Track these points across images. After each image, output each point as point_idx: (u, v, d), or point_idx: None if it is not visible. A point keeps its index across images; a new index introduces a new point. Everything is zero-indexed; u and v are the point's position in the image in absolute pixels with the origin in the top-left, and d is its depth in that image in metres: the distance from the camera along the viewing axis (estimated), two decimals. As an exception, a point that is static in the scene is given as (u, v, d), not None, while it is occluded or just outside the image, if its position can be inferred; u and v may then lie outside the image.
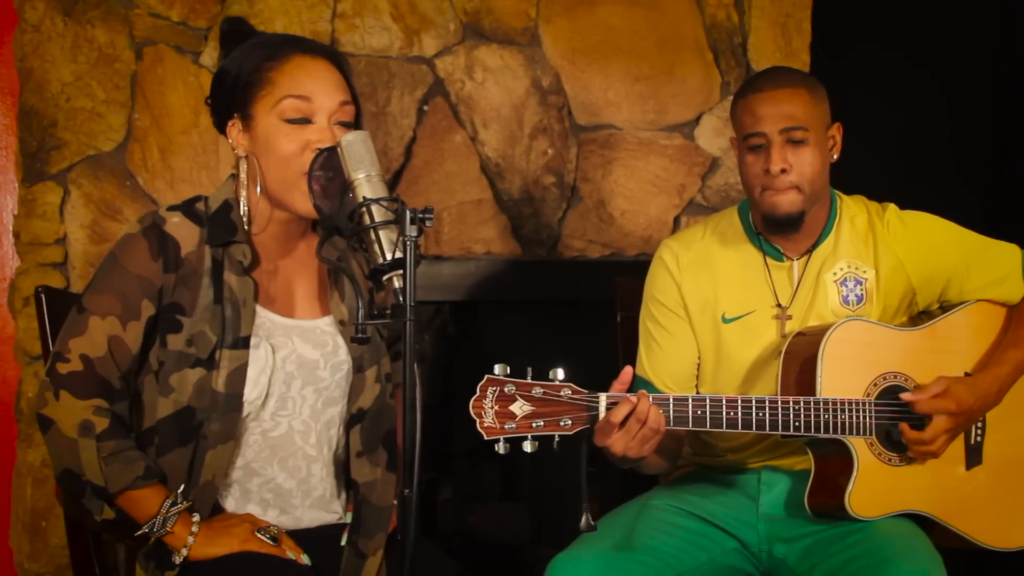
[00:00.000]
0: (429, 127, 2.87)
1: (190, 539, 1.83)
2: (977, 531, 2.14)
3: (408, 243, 1.59)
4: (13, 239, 2.69)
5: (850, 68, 3.44)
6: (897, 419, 2.05)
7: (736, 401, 1.95)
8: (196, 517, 1.86)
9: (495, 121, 2.90)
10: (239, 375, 1.87)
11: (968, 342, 2.19)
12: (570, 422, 1.83)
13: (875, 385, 2.07)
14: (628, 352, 2.38)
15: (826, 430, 2.00)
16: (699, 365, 2.23)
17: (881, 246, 2.19)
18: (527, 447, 1.80)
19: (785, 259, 2.20)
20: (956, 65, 3.59)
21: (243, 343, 1.88)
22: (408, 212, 1.60)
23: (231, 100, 1.92)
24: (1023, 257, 2.23)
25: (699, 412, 1.93)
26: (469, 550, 3.07)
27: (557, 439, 1.82)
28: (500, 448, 1.79)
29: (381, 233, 1.65)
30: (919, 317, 2.25)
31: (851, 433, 2.01)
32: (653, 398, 1.88)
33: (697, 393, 2.21)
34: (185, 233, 1.89)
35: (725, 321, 2.19)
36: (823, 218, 2.19)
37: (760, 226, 2.19)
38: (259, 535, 1.87)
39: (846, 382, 2.04)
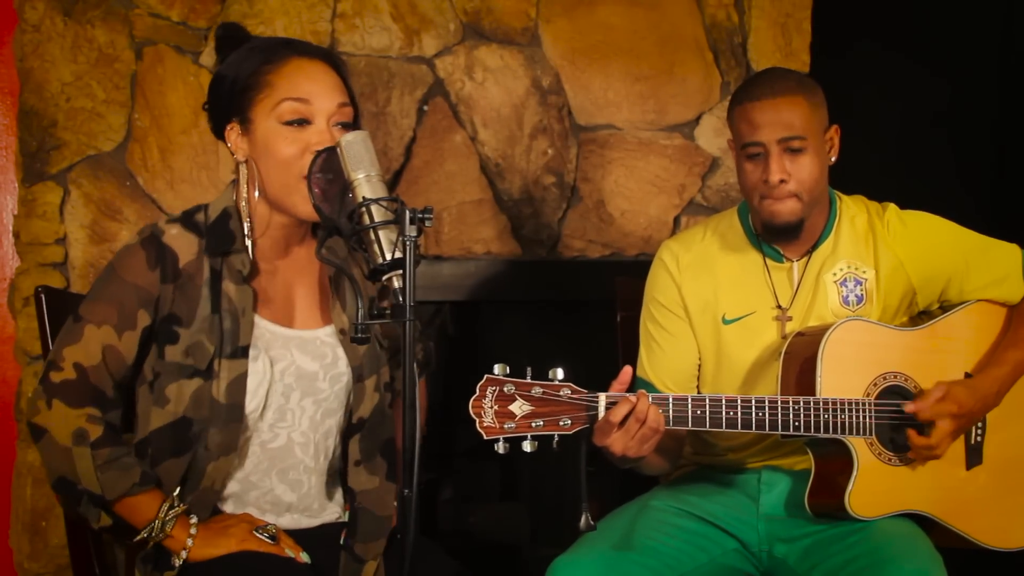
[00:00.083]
0: (429, 127, 2.87)
1: (189, 541, 1.84)
2: (977, 531, 2.14)
3: (408, 243, 1.59)
4: (13, 239, 2.69)
5: (850, 68, 3.43)
6: (897, 419, 2.06)
7: (736, 401, 1.95)
8: (194, 519, 1.86)
9: (495, 121, 2.90)
10: (239, 385, 1.86)
11: (968, 342, 2.19)
12: (569, 422, 1.83)
13: (875, 385, 2.07)
14: (628, 352, 2.38)
15: (826, 430, 2.00)
16: (700, 366, 2.24)
17: (881, 246, 2.18)
18: (526, 447, 1.80)
19: (785, 260, 2.20)
20: (956, 65, 3.59)
21: (242, 352, 1.87)
22: (408, 212, 1.59)
23: (229, 104, 1.91)
24: (1023, 257, 2.23)
25: (698, 412, 1.93)
26: (469, 550, 3.07)
27: (556, 439, 1.82)
28: (499, 448, 1.79)
29: (381, 233, 1.65)
30: (919, 317, 2.25)
31: (851, 433, 2.01)
32: (652, 398, 1.89)
33: (698, 393, 2.21)
34: (183, 244, 1.88)
35: (725, 322, 2.19)
36: (822, 219, 2.19)
37: (759, 229, 2.19)
38: (257, 534, 1.87)
39: (846, 382, 2.04)
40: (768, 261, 2.20)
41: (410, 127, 2.86)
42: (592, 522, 1.84)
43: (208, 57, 2.70)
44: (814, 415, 1.99)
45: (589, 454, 1.87)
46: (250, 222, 1.93)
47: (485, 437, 1.78)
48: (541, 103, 2.92)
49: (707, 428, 1.94)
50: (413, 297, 1.60)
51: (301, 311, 1.98)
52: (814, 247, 2.19)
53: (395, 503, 1.97)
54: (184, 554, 1.83)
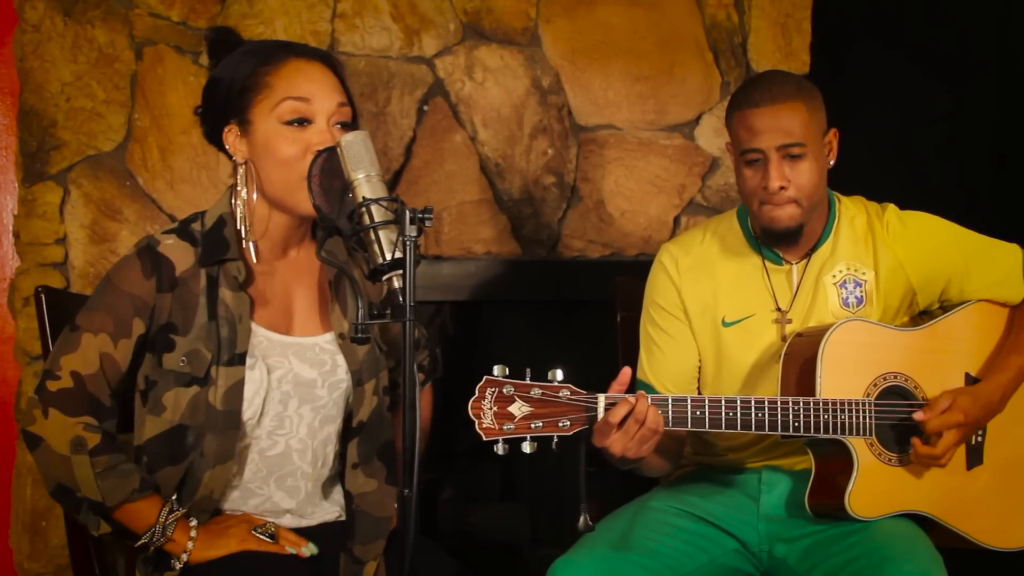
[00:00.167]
0: (429, 127, 2.87)
1: (189, 544, 1.84)
2: (977, 531, 2.14)
3: (408, 243, 1.59)
4: (13, 239, 2.68)
5: (850, 68, 3.43)
6: (897, 420, 2.05)
7: (735, 401, 1.95)
8: (194, 522, 1.86)
9: (495, 121, 2.90)
10: (236, 392, 1.87)
11: (969, 342, 2.19)
12: (569, 423, 1.83)
13: (875, 385, 2.07)
14: (628, 352, 2.38)
15: (826, 430, 2.00)
16: (700, 369, 2.23)
17: (880, 247, 2.18)
18: (526, 448, 1.80)
19: (784, 263, 2.20)
20: (956, 65, 3.59)
21: (239, 360, 1.87)
22: (408, 212, 1.59)
23: (226, 107, 1.91)
24: (1023, 257, 2.23)
25: (698, 412, 1.93)
26: (469, 550, 3.07)
27: (556, 440, 1.82)
28: (499, 449, 1.79)
29: (381, 233, 1.65)
30: (920, 317, 2.24)
31: (851, 433, 2.01)
32: (652, 399, 1.88)
33: (698, 394, 2.21)
34: (179, 254, 1.89)
35: (725, 325, 2.19)
36: (821, 222, 2.19)
37: (759, 232, 2.19)
38: (256, 533, 1.87)
39: (846, 382, 2.04)
40: (767, 264, 2.20)
41: (410, 127, 2.86)
42: (591, 522, 1.84)
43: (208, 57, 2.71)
44: (814, 415, 1.99)
45: (589, 455, 1.87)
46: (248, 224, 1.93)
47: (484, 438, 1.78)
48: (541, 103, 2.92)
49: (706, 429, 1.94)
50: (413, 297, 1.60)
51: (300, 317, 1.98)
52: (813, 249, 2.19)
53: (395, 504, 1.97)
54: (185, 557, 1.84)
